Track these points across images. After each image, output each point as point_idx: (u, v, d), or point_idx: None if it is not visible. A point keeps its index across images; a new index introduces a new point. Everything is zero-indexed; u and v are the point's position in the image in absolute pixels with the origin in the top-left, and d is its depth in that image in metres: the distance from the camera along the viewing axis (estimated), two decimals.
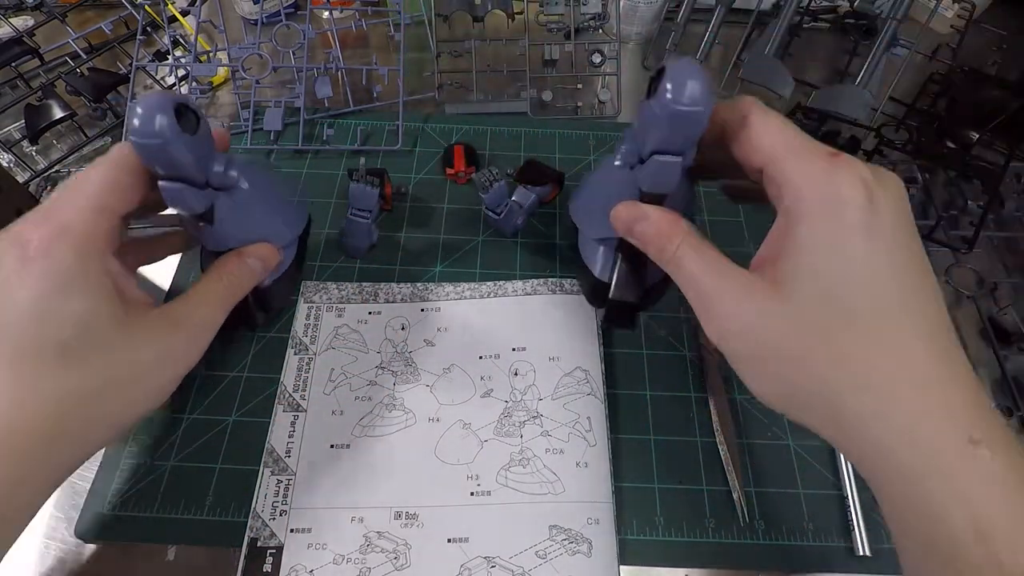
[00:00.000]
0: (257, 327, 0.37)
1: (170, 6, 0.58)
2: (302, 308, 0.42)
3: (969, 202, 0.46)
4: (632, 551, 0.34)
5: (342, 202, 0.48)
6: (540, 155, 0.51)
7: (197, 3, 0.53)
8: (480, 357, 0.40)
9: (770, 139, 0.26)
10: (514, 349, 0.40)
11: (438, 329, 0.41)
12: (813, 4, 0.60)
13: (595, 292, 0.36)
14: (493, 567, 0.33)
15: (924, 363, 0.24)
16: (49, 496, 0.27)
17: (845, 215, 0.23)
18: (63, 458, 0.27)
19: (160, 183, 0.29)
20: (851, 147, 0.49)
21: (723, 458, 0.37)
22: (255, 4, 0.59)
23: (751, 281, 0.26)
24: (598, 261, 0.35)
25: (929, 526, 0.23)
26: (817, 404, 0.25)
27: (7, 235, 0.27)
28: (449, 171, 0.49)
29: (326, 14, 0.57)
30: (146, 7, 0.56)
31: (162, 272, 0.44)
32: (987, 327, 0.42)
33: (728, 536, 0.35)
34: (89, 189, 0.28)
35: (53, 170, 0.50)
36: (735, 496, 0.36)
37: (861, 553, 0.34)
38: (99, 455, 0.36)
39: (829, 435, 0.25)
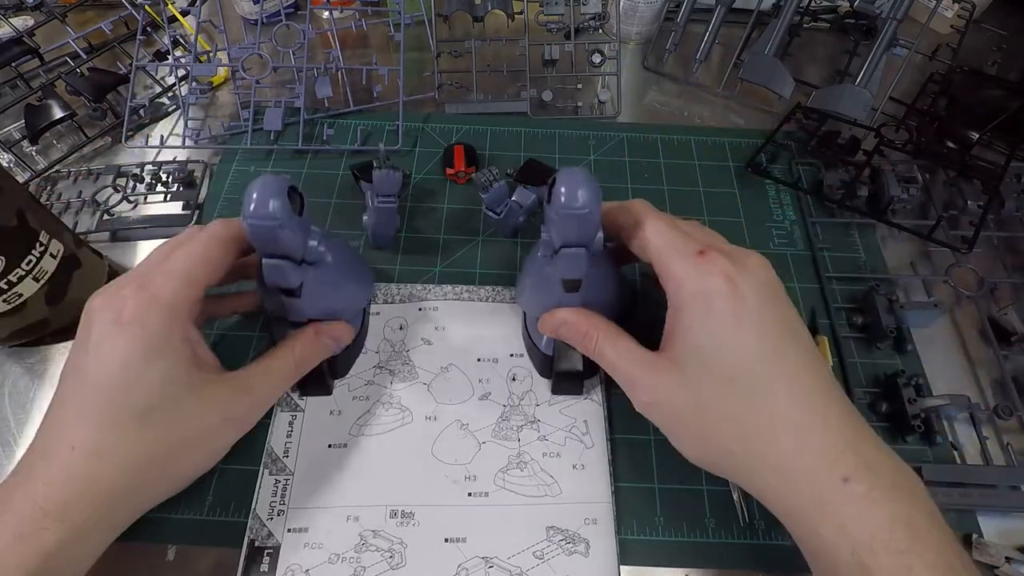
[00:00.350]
0: (330, 392, 0.38)
1: (170, 6, 0.58)
2: None
3: (969, 202, 0.46)
4: (632, 551, 0.34)
5: (342, 202, 0.48)
6: (540, 155, 0.51)
7: (197, 3, 0.53)
8: (478, 359, 0.40)
9: (655, 241, 0.31)
10: (512, 355, 0.40)
11: (436, 328, 0.41)
12: (813, 4, 0.60)
13: (543, 365, 0.39)
14: (491, 567, 0.33)
15: (795, 414, 0.28)
16: (108, 544, 0.30)
17: (713, 304, 0.29)
18: (128, 511, 0.30)
19: (264, 260, 0.31)
20: (851, 147, 0.49)
21: None
22: (255, 4, 0.59)
23: (657, 363, 0.31)
24: (542, 338, 0.38)
25: (825, 560, 0.27)
26: (723, 460, 0.30)
27: (104, 295, 0.30)
28: (449, 171, 0.49)
29: (326, 14, 0.57)
30: (146, 7, 0.56)
31: None
32: (987, 327, 0.42)
33: (728, 536, 0.35)
34: (183, 262, 0.31)
35: (53, 170, 0.50)
36: (735, 496, 0.36)
37: None
38: None
39: (742, 485, 0.31)
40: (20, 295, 0.36)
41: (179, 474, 0.31)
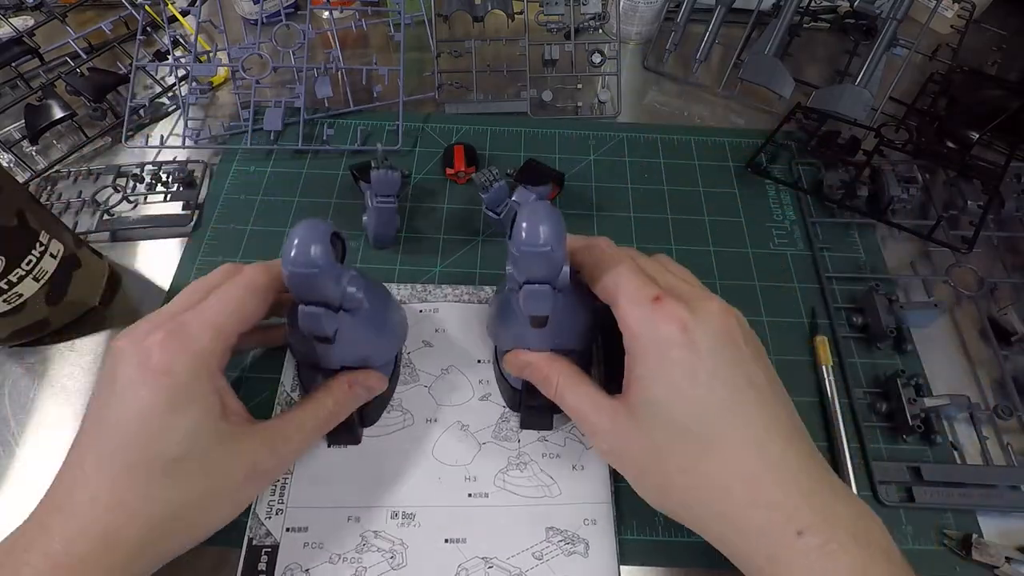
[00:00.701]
0: (359, 442, 0.37)
1: (170, 6, 0.58)
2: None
3: (969, 202, 0.46)
4: (632, 551, 0.34)
5: (342, 202, 0.48)
6: (540, 155, 0.51)
7: (197, 3, 0.53)
8: (478, 361, 0.40)
9: (612, 283, 0.30)
10: None
11: (436, 330, 0.41)
12: (813, 4, 0.60)
13: (512, 399, 0.38)
14: (490, 567, 0.33)
15: (748, 467, 0.27)
16: None
17: (667, 353, 0.28)
18: (147, 564, 0.28)
19: (301, 308, 0.30)
20: (851, 147, 0.49)
21: None
22: (255, 4, 0.59)
23: (615, 411, 0.30)
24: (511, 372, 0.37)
25: None
26: (681, 511, 0.30)
27: (130, 338, 0.28)
28: (449, 171, 0.49)
29: (326, 14, 0.57)
30: (146, 7, 0.56)
31: (162, 272, 0.44)
32: (987, 327, 0.42)
33: None
34: (218, 311, 0.29)
35: (53, 170, 0.50)
36: None
37: None
38: None
39: (698, 531, 0.29)
40: (20, 295, 0.36)
41: (201, 526, 0.29)
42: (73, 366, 0.40)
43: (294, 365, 0.39)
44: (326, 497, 0.35)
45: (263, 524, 0.34)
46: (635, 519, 0.35)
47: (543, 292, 0.30)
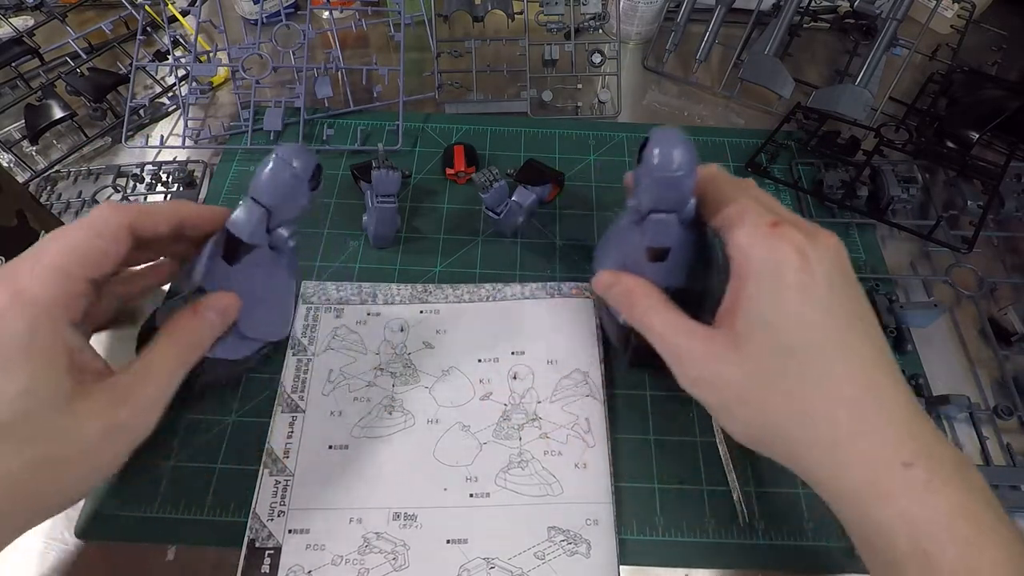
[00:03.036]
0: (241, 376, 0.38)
1: (170, 6, 0.58)
2: (301, 309, 0.42)
3: (969, 202, 0.46)
4: (632, 551, 0.34)
5: (342, 202, 0.48)
6: (540, 155, 0.51)
7: (197, 3, 0.54)
8: (479, 360, 0.40)
9: (735, 212, 0.29)
10: (513, 353, 0.40)
11: (437, 331, 0.41)
12: (813, 4, 0.60)
13: (620, 337, 0.38)
14: (492, 568, 0.33)
15: (856, 394, 0.27)
16: None
17: (782, 276, 0.27)
18: None
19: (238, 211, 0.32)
20: (851, 147, 0.49)
21: (723, 458, 0.37)
22: (255, 4, 0.59)
23: (711, 335, 0.29)
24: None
25: (879, 546, 0.26)
26: (774, 438, 0.29)
27: None
28: (449, 171, 0.49)
29: (326, 14, 0.57)
30: (146, 7, 0.56)
31: None
32: (987, 327, 0.42)
33: (728, 536, 0.35)
34: (57, 253, 0.26)
35: (53, 170, 0.50)
36: (735, 496, 0.36)
37: None
38: None
39: (791, 467, 0.29)
40: None
41: (54, 494, 0.27)
42: None
43: (294, 365, 0.40)
44: (327, 499, 0.35)
45: (265, 526, 0.34)
46: (635, 519, 0.35)
47: (669, 221, 0.30)
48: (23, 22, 0.56)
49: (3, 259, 0.34)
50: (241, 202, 0.33)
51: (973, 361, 0.42)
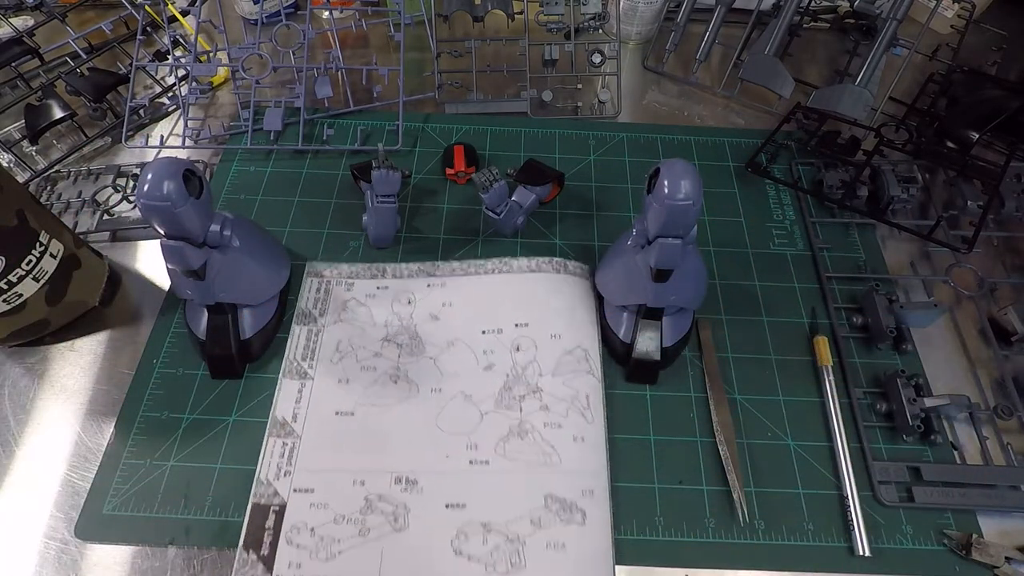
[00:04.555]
0: (242, 376, 0.39)
1: (170, 6, 0.58)
2: (308, 283, 0.43)
3: (969, 202, 0.46)
4: (632, 551, 0.34)
5: (342, 202, 0.48)
6: (540, 155, 0.51)
7: (197, 3, 0.53)
8: (483, 332, 0.41)
9: None
10: (517, 325, 0.41)
11: (443, 304, 0.42)
12: (813, 4, 0.60)
13: (621, 354, 0.40)
14: (489, 532, 0.34)
15: None
16: None
17: None
18: None
19: (162, 242, 0.32)
20: (851, 147, 0.49)
21: (723, 458, 0.37)
22: (255, 4, 0.59)
23: None
24: (622, 325, 0.39)
25: None
26: None
27: None
28: (449, 171, 0.49)
29: (326, 14, 0.57)
30: (146, 7, 0.56)
31: (162, 272, 0.44)
32: (987, 327, 0.42)
33: (728, 536, 0.35)
34: None
35: (53, 170, 0.50)
36: (735, 496, 0.36)
37: (861, 553, 0.34)
38: (99, 455, 0.37)
39: None
40: (20, 295, 0.36)
41: None
42: (73, 366, 0.40)
43: (304, 335, 0.41)
44: (332, 461, 0.36)
45: (271, 484, 0.35)
46: (635, 519, 0.35)
47: (675, 246, 0.32)
48: (23, 22, 0.56)
49: (3, 259, 0.34)
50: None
51: (973, 361, 0.42)
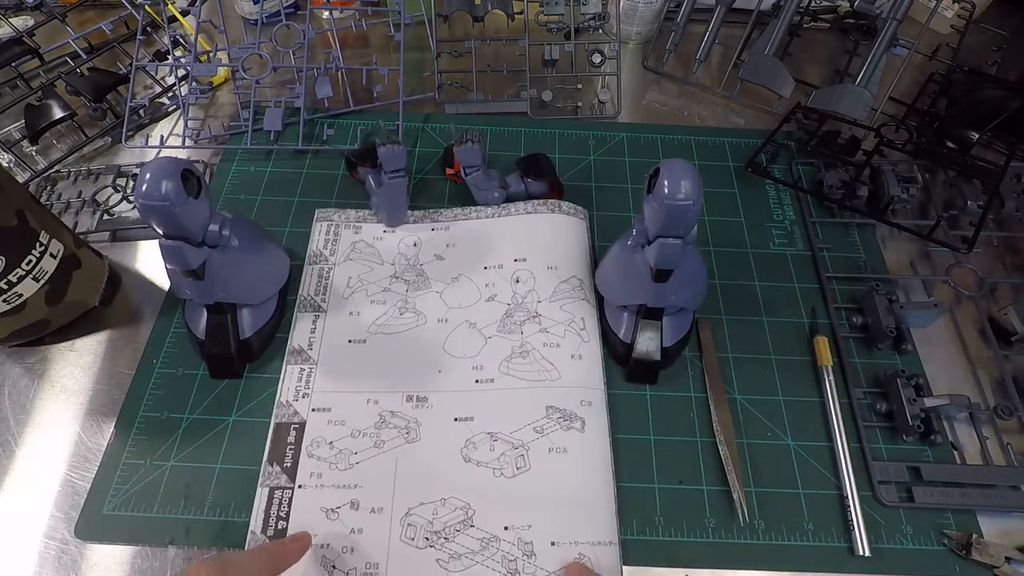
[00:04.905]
0: (242, 376, 0.40)
1: (170, 6, 0.58)
2: (318, 228, 0.46)
3: (969, 202, 0.46)
4: (632, 551, 0.34)
5: (342, 201, 0.48)
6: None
7: (197, 3, 0.53)
8: (485, 267, 0.43)
9: None
10: (516, 260, 0.43)
11: (447, 245, 0.45)
12: (813, 4, 0.60)
13: (620, 352, 0.40)
14: (495, 440, 0.37)
15: None
16: None
17: None
18: None
19: (160, 241, 0.32)
20: (851, 147, 0.49)
21: (723, 458, 0.37)
22: (255, 4, 0.59)
23: None
24: (622, 325, 0.40)
25: None
26: None
27: None
28: (449, 171, 0.49)
29: (326, 14, 0.57)
30: (146, 7, 0.56)
31: (162, 272, 0.44)
32: (987, 327, 0.42)
33: (728, 536, 0.35)
34: None
35: (53, 170, 0.50)
36: (735, 496, 0.36)
37: (861, 553, 0.34)
38: (99, 455, 0.37)
39: None
40: (20, 295, 0.36)
41: None
42: (73, 366, 0.40)
43: (316, 273, 0.43)
44: (347, 384, 0.39)
45: (291, 405, 0.38)
46: (635, 519, 0.35)
47: (675, 246, 0.32)
48: (23, 22, 0.56)
49: (3, 259, 0.34)
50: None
51: (973, 361, 0.42)
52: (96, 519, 0.34)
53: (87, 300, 0.41)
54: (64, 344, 0.41)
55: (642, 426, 0.38)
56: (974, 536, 0.34)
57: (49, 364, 0.40)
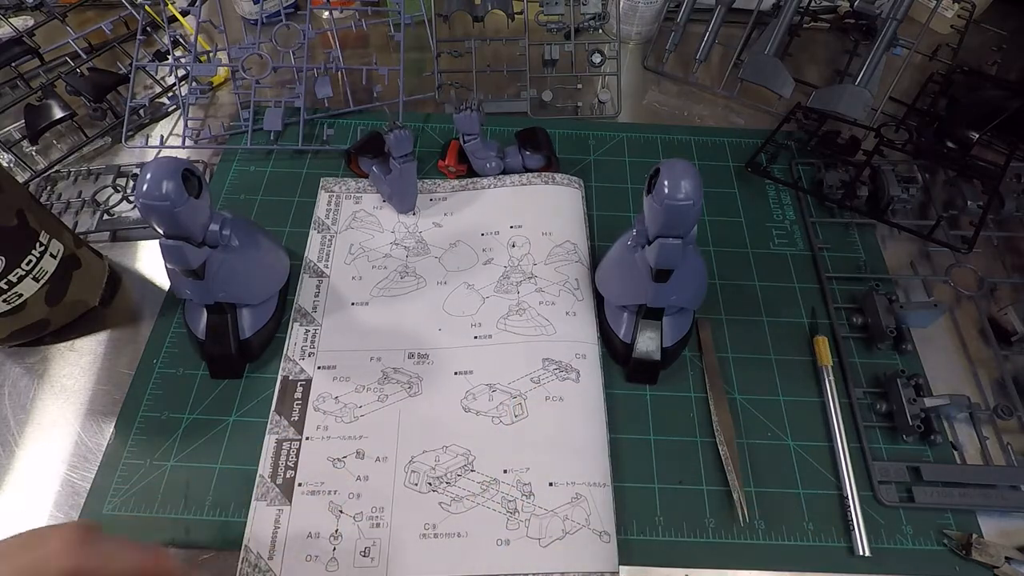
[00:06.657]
0: (242, 376, 0.40)
1: (170, 6, 0.58)
2: (322, 197, 0.48)
3: (969, 202, 0.46)
4: (632, 551, 0.34)
5: None
6: None
7: (197, 3, 0.53)
8: (482, 234, 0.45)
9: None
10: (512, 227, 0.45)
11: (445, 214, 0.46)
12: (813, 4, 0.60)
13: (620, 353, 0.40)
14: (494, 391, 0.39)
15: None
16: None
17: None
18: None
19: (161, 241, 0.32)
20: (851, 147, 0.49)
21: (723, 458, 0.37)
22: (255, 4, 0.59)
23: None
24: (622, 325, 0.40)
25: None
26: None
27: None
28: (441, 163, 0.49)
29: (326, 14, 0.57)
30: (146, 7, 0.56)
31: (162, 272, 0.44)
32: (987, 327, 0.42)
33: (728, 536, 0.35)
34: None
35: (53, 170, 0.50)
36: (735, 496, 0.36)
37: (861, 553, 0.34)
38: (99, 455, 0.37)
39: None
40: (20, 295, 0.36)
41: None
42: (73, 366, 0.40)
43: (319, 240, 0.44)
44: (351, 343, 0.41)
45: (297, 363, 0.40)
46: (635, 519, 0.35)
47: (676, 246, 0.33)
48: (23, 22, 0.56)
49: (3, 259, 0.34)
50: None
51: (973, 361, 0.42)
52: (96, 519, 0.34)
53: (87, 300, 0.41)
54: (64, 344, 0.41)
55: (642, 426, 0.38)
56: (974, 536, 0.34)
57: (49, 364, 0.40)
